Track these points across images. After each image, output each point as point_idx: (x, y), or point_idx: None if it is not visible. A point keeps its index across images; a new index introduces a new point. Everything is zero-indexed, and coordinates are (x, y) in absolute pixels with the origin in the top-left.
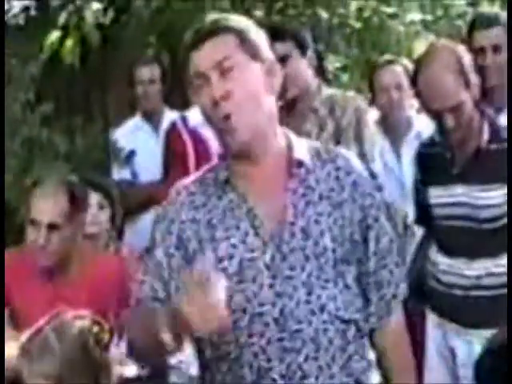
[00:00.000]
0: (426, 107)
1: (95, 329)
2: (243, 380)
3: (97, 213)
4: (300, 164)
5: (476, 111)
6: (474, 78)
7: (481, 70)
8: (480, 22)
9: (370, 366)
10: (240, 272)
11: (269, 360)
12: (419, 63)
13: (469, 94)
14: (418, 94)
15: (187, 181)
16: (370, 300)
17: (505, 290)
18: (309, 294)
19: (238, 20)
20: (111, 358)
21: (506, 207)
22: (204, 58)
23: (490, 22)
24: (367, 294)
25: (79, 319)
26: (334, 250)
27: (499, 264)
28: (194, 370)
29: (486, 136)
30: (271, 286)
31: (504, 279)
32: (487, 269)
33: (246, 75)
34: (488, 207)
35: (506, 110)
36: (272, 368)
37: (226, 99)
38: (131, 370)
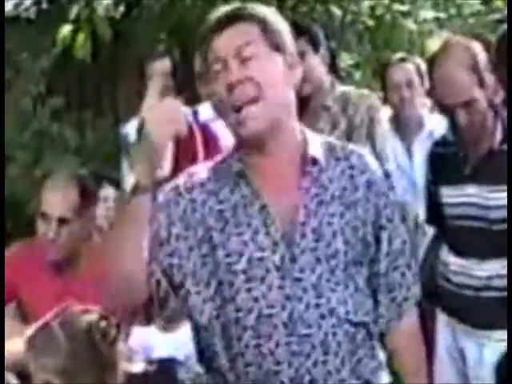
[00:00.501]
0: (439, 103)
1: (102, 324)
2: (249, 378)
3: (111, 207)
4: (314, 161)
5: (490, 111)
6: (489, 77)
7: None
8: None
9: (380, 366)
10: (248, 270)
11: (277, 363)
12: (433, 60)
13: (483, 92)
14: (430, 92)
15: (199, 167)
16: (379, 302)
17: None
18: (318, 297)
19: (263, 9)
20: (118, 353)
21: None
22: (224, 43)
23: None
24: (377, 296)
25: (86, 314)
26: (345, 253)
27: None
28: (200, 367)
29: (498, 136)
30: (280, 287)
31: None
32: (498, 270)
33: (266, 65)
34: (499, 208)
35: None
36: (281, 371)
37: (243, 83)
38: (138, 365)
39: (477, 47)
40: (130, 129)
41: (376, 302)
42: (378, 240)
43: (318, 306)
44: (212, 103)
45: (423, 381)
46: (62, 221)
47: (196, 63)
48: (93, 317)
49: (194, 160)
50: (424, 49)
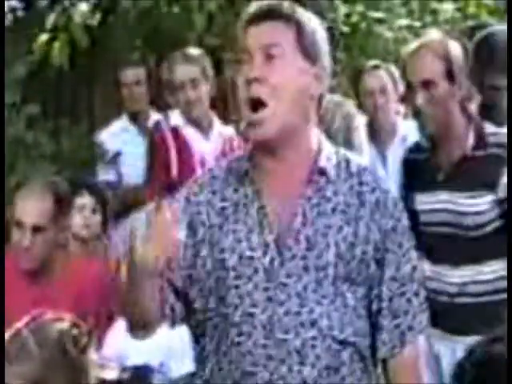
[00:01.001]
0: (405, 83)
1: (74, 331)
2: (231, 378)
3: (89, 216)
4: (322, 172)
5: (462, 117)
6: (463, 80)
7: None
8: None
9: None
10: (238, 267)
11: (254, 364)
12: (409, 50)
13: (449, 85)
14: (403, 99)
15: (214, 165)
16: (382, 327)
17: (489, 298)
18: (301, 305)
19: (306, 14)
20: (90, 360)
21: (490, 214)
22: (257, 36)
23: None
24: (380, 321)
25: (58, 321)
26: (335, 267)
27: (484, 271)
28: (175, 373)
29: (471, 142)
30: (265, 289)
31: (488, 286)
32: (472, 276)
33: (288, 69)
34: (472, 214)
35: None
36: (257, 373)
37: (260, 82)
38: (112, 373)
39: (454, 45)
40: (106, 136)
41: (378, 327)
42: (379, 262)
43: (298, 313)
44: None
45: None
46: (36, 229)
47: (164, 71)
48: (64, 324)
49: (167, 166)
50: (399, 56)
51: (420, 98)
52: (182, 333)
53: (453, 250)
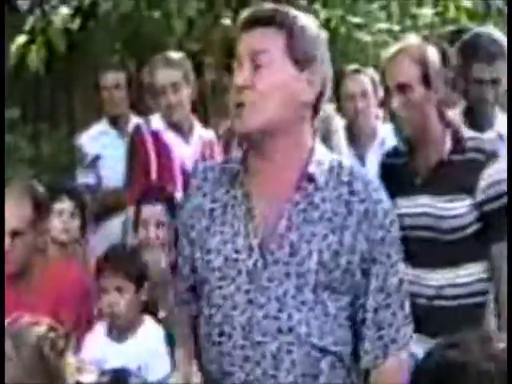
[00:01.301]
0: (384, 87)
1: (51, 335)
2: (211, 377)
3: (68, 221)
4: (310, 178)
5: (439, 121)
6: (440, 85)
7: None
8: (483, 55)
9: None
10: (222, 269)
11: (232, 365)
12: (388, 55)
13: (425, 90)
14: (383, 103)
15: (209, 164)
16: (365, 337)
17: (466, 300)
18: (280, 310)
19: (302, 21)
20: (67, 364)
21: (468, 218)
22: (247, 42)
23: (493, 55)
24: (363, 331)
25: (35, 325)
26: (316, 274)
27: (461, 274)
28: (152, 376)
29: (448, 146)
30: (247, 291)
31: (465, 289)
32: (450, 279)
33: (276, 76)
34: (451, 218)
35: (493, 127)
36: (234, 373)
37: (248, 89)
38: (90, 376)
39: (431, 51)
40: (85, 139)
41: (362, 337)
42: (365, 272)
43: (277, 318)
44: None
45: None
46: (15, 233)
47: (145, 75)
48: (41, 328)
49: (146, 170)
50: (378, 60)
51: (395, 102)
52: (160, 335)
53: (431, 253)
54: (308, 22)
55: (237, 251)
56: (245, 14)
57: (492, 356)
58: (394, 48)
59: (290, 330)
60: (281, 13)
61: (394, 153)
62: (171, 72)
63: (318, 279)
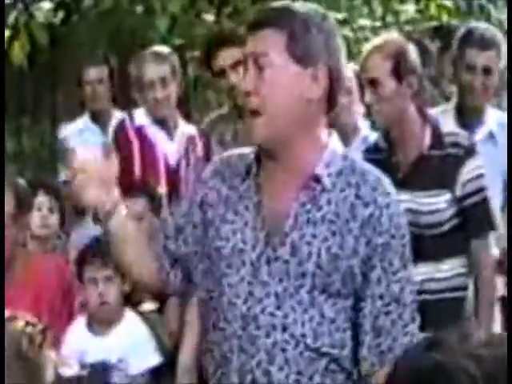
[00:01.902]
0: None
1: (28, 330)
2: (214, 360)
3: (47, 215)
4: (317, 179)
5: (417, 116)
6: (415, 79)
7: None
8: (477, 41)
9: None
10: (230, 257)
11: (230, 351)
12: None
13: (396, 83)
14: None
15: (233, 152)
16: (363, 343)
17: (447, 295)
18: (277, 307)
19: (303, 14)
20: (46, 358)
21: (448, 213)
22: (251, 45)
23: (487, 43)
24: (361, 336)
25: (12, 321)
26: (313, 277)
27: (441, 269)
28: (133, 370)
29: (427, 142)
30: (249, 283)
31: (446, 284)
32: (430, 273)
33: (282, 78)
34: (430, 213)
35: (484, 126)
36: (231, 361)
37: (255, 95)
38: (71, 370)
39: (409, 47)
40: (67, 134)
41: (360, 342)
42: (366, 277)
43: (272, 315)
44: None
45: None
46: None
47: (133, 68)
48: (19, 323)
49: (130, 165)
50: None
51: (368, 97)
52: (141, 328)
53: (412, 248)
54: (310, 13)
55: (244, 242)
56: (249, 15)
57: (471, 354)
58: (369, 44)
59: (285, 328)
60: (280, 12)
61: (374, 149)
62: (160, 67)
63: (314, 282)
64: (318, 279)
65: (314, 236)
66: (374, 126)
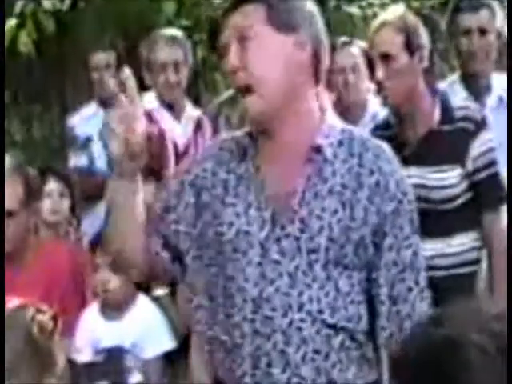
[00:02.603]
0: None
1: (39, 317)
2: (224, 347)
3: (57, 201)
4: (318, 150)
5: (427, 91)
6: (425, 53)
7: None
8: (467, 5)
9: (362, 378)
10: (235, 241)
11: (242, 336)
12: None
13: (409, 57)
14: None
15: (225, 136)
16: (380, 313)
17: (457, 270)
18: (291, 286)
19: None
20: (57, 345)
21: (459, 188)
22: (231, 24)
23: (477, 4)
24: (378, 306)
25: (22, 309)
26: (327, 251)
27: (451, 244)
28: (147, 354)
29: (437, 116)
30: (259, 264)
31: (456, 259)
32: (441, 249)
33: (266, 48)
34: (440, 188)
35: (492, 92)
36: (243, 346)
37: (242, 70)
38: (86, 355)
39: (415, 21)
40: (77, 121)
41: (377, 313)
42: (378, 246)
43: (287, 294)
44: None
45: None
46: (9, 214)
47: (144, 51)
48: (30, 311)
49: None
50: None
51: (380, 72)
52: (154, 312)
53: (423, 223)
54: None
55: (249, 223)
56: None
57: (483, 328)
58: (378, 19)
59: (301, 307)
60: None
61: (383, 125)
62: (174, 50)
63: (328, 255)
64: (332, 253)
65: (323, 210)
66: (384, 103)
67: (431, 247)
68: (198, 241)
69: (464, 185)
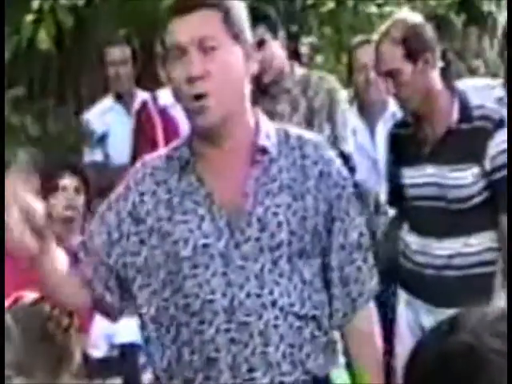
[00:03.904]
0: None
1: (55, 313)
2: (192, 367)
3: (73, 197)
4: (264, 151)
5: (444, 90)
6: (429, 55)
7: None
8: None
9: (332, 361)
10: (194, 257)
11: (217, 350)
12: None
13: (413, 65)
14: None
15: (153, 155)
16: (334, 295)
17: (475, 270)
18: (261, 287)
19: None
20: (73, 341)
21: (476, 187)
22: (186, 30)
23: None
24: (331, 289)
25: (39, 304)
26: (289, 244)
27: (469, 244)
28: None
29: (455, 115)
30: (224, 274)
31: (475, 259)
32: (458, 248)
33: (227, 58)
34: (458, 187)
35: None
36: (219, 359)
37: (204, 79)
38: (101, 351)
39: (419, 23)
40: (92, 116)
41: (331, 296)
42: (329, 231)
43: (259, 296)
44: (171, 88)
45: (380, 380)
46: None
47: (158, 46)
48: (45, 307)
49: (153, 146)
50: None
51: (391, 88)
52: None
53: (440, 223)
54: None
55: (205, 236)
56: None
57: (495, 332)
58: (377, 33)
59: (273, 304)
60: None
61: (402, 123)
62: None
63: (291, 248)
64: (294, 245)
65: (277, 206)
66: (404, 111)
67: (449, 246)
68: (144, 268)
69: (481, 184)
